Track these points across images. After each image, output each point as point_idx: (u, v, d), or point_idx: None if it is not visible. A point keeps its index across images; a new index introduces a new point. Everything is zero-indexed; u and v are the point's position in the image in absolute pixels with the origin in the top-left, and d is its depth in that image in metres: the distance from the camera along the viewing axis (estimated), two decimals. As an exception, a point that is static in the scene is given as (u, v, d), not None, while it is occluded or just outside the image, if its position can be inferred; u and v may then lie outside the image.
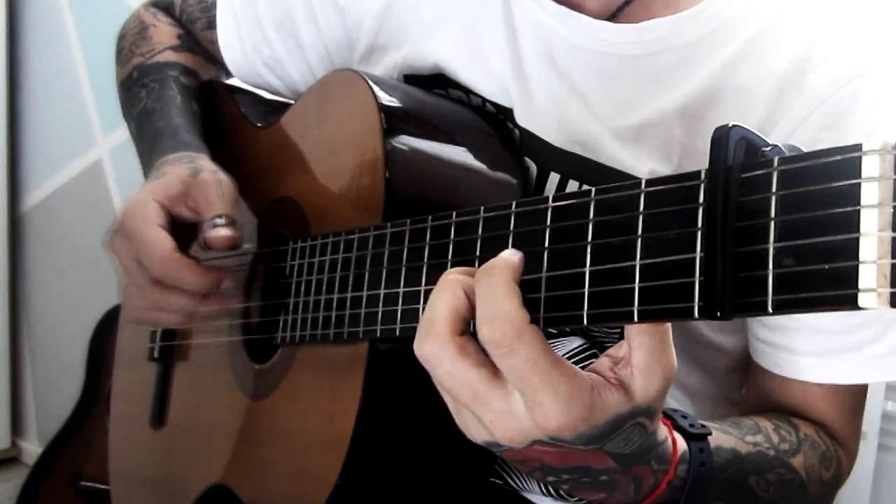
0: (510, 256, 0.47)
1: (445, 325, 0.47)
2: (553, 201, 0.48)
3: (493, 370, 0.47)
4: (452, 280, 0.48)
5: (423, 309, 0.57)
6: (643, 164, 0.70)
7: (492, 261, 0.48)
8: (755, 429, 0.66)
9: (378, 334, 0.62)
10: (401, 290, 0.59)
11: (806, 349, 0.70)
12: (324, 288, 0.69)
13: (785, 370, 0.72)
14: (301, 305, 0.71)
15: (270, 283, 0.80)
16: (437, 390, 0.50)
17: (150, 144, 0.85)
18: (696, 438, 0.57)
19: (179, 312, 0.75)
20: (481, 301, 0.46)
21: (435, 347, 0.47)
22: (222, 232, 0.73)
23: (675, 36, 0.70)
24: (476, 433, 0.49)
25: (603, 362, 0.49)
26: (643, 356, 0.47)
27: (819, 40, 0.69)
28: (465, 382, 0.47)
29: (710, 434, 0.58)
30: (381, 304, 0.61)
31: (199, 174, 0.76)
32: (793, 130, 0.68)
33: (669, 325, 0.47)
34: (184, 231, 0.76)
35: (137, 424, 0.95)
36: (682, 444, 0.56)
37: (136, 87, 0.93)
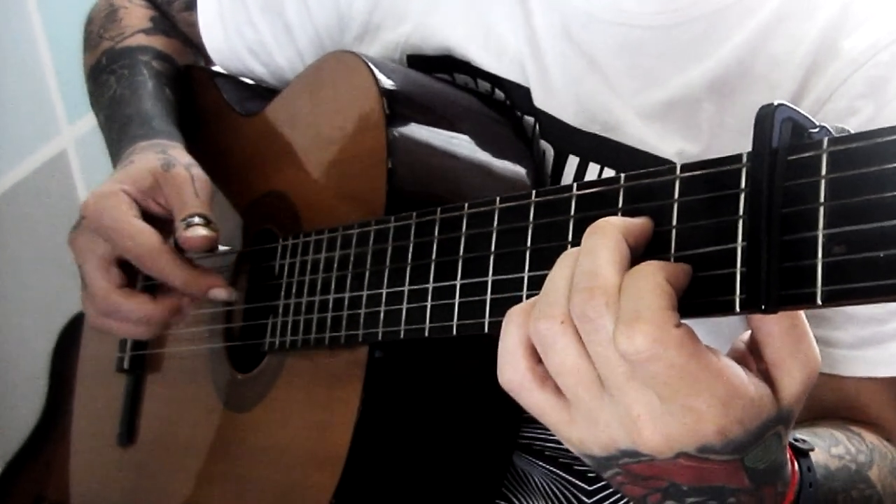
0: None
1: None
2: (578, 189, 0.48)
3: None
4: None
5: (431, 308, 0.58)
6: (669, 143, 0.71)
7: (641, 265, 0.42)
8: (834, 440, 0.64)
9: (380, 337, 0.62)
10: (406, 288, 0.59)
11: (839, 340, 0.70)
12: (318, 288, 0.69)
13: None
14: (292, 307, 0.72)
15: (256, 284, 0.80)
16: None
17: (118, 133, 0.85)
18: (802, 455, 0.53)
19: (160, 318, 0.75)
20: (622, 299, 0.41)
21: None
22: (200, 232, 0.72)
23: (703, 4, 0.71)
24: (598, 436, 0.44)
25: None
26: (775, 349, 0.44)
27: (854, 2, 0.69)
28: (613, 361, 0.42)
29: (813, 450, 0.54)
30: (383, 304, 0.61)
31: (172, 168, 0.76)
32: (826, 99, 0.68)
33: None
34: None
35: (103, 442, 0.95)
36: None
37: (105, 74, 0.93)
